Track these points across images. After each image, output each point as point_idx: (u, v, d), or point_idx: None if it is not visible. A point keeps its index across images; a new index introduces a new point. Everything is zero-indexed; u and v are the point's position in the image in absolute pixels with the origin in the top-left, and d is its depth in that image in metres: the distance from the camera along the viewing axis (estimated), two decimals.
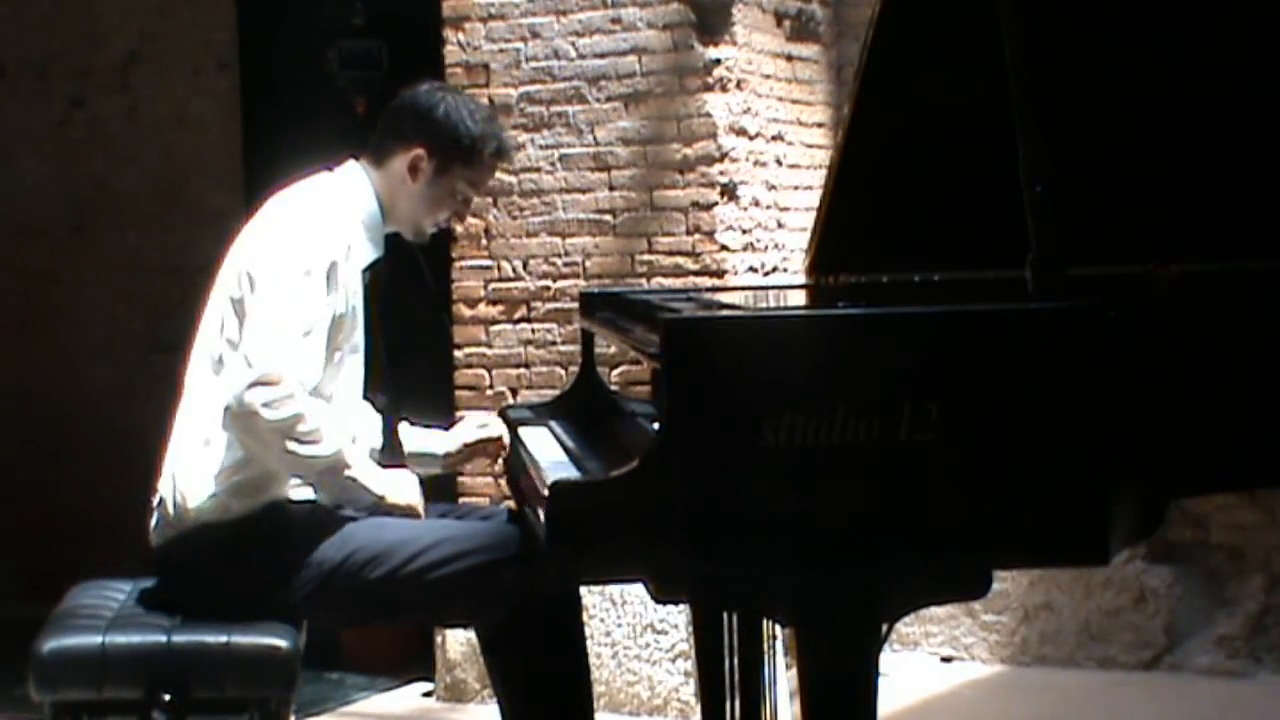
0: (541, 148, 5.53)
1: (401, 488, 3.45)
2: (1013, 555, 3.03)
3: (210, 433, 3.37)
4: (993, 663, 5.87)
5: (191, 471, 3.37)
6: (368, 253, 3.47)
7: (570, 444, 3.55)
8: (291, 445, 3.27)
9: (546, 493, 2.88)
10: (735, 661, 3.68)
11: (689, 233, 5.37)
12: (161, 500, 3.42)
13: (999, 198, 3.11)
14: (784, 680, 4.10)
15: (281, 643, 3.29)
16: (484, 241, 5.61)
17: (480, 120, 3.53)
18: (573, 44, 5.48)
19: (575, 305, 4.59)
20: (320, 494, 3.40)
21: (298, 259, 3.33)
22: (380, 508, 3.42)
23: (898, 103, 3.53)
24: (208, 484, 3.36)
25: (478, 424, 3.76)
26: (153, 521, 3.44)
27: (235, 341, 3.34)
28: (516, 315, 5.59)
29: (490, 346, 5.63)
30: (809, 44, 5.86)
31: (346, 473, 3.34)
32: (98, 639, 3.28)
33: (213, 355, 3.40)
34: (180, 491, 3.37)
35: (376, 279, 3.49)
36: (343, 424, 3.41)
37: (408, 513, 3.43)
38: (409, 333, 5.72)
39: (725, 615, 3.68)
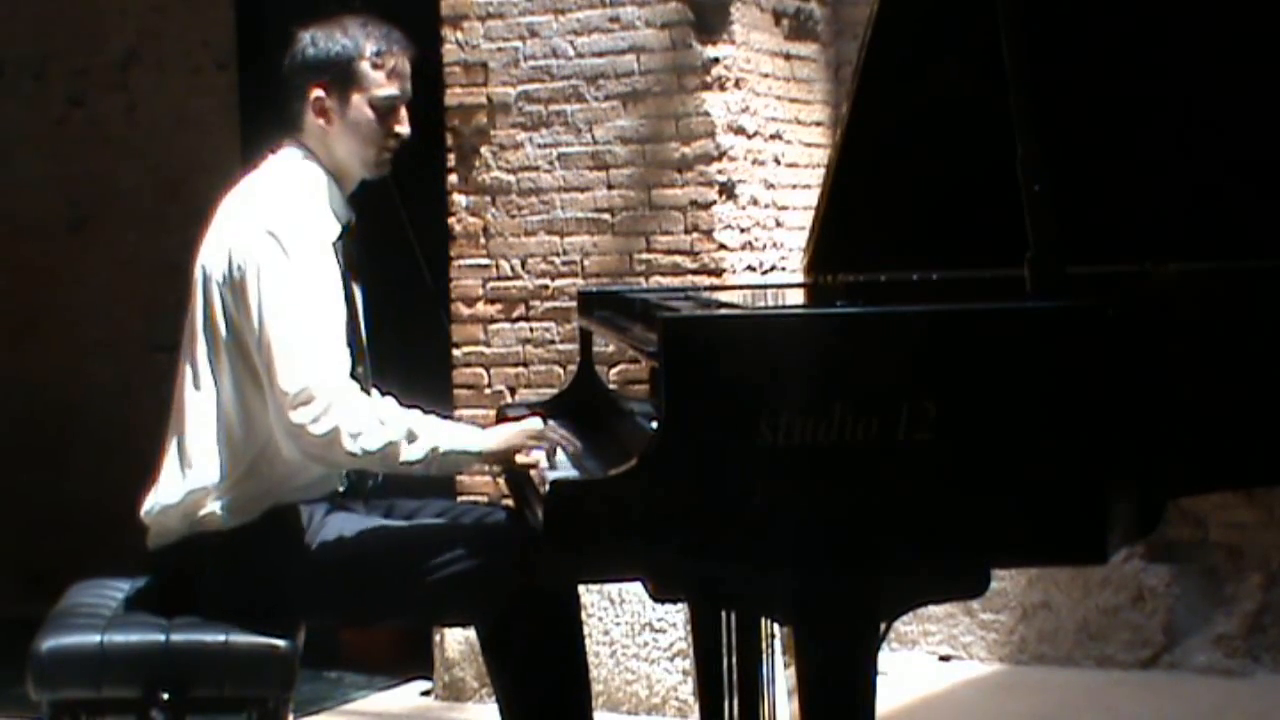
0: (540, 146, 5.53)
1: (493, 434, 3.36)
2: (1011, 554, 3.04)
3: (204, 446, 3.36)
4: (991, 661, 5.87)
5: (188, 484, 3.36)
6: (333, 226, 3.44)
7: None
8: (354, 448, 3.22)
9: (545, 492, 2.88)
10: (733, 660, 3.68)
11: (687, 231, 5.37)
12: (156, 509, 3.40)
13: (998, 196, 3.11)
14: (782, 679, 4.11)
15: (280, 642, 3.29)
16: (482, 240, 5.61)
17: (349, 33, 3.44)
18: (571, 43, 5.48)
19: (573, 304, 4.59)
20: (428, 473, 3.33)
21: (288, 259, 3.29)
22: (492, 463, 3.34)
23: (896, 102, 3.53)
24: (206, 497, 3.34)
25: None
26: (151, 522, 3.43)
27: (217, 360, 3.34)
28: (515, 314, 5.59)
29: (489, 345, 5.62)
30: (807, 43, 5.86)
31: (434, 446, 3.26)
32: (96, 638, 3.28)
33: (194, 370, 3.39)
34: (177, 503, 3.36)
35: (349, 249, 3.47)
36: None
37: (517, 455, 3.31)
38: (407, 331, 5.74)
39: (723, 614, 3.68)
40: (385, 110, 3.45)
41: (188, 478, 3.36)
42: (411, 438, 3.26)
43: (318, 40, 3.45)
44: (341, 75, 3.42)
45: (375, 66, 3.44)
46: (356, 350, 3.42)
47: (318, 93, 3.43)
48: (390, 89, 3.45)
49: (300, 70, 3.45)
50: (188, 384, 3.40)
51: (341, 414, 3.22)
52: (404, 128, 3.48)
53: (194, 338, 3.40)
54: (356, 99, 3.43)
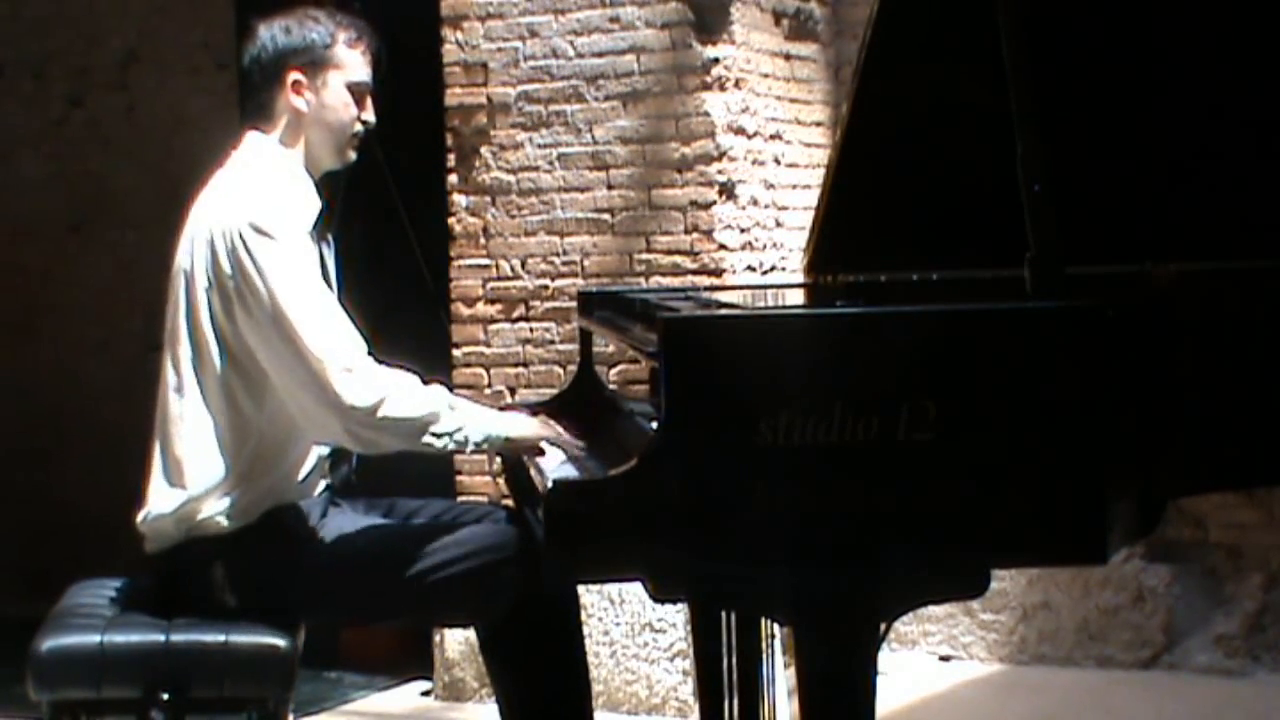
0: (540, 147, 5.53)
1: (517, 422, 3.37)
2: (1011, 554, 3.04)
3: (192, 453, 3.35)
4: (991, 662, 5.87)
5: (179, 493, 3.34)
6: (309, 213, 3.42)
7: None
8: (399, 413, 3.21)
9: (545, 492, 2.88)
10: (734, 660, 3.68)
11: (687, 232, 5.37)
12: (151, 517, 3.39)
13: (998, 197, 3.11)
14: (782, 679, 4.10)
15: (280, 642, 3.29)
16: (482, 240, 5.61)
17: (320, 21, 3.46)
18: (571, 43, 5.48)
19: (573, 304, 4.59)
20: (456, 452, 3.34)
21: (283, 243, 3.27)
22: (513, 451, 3.37)
23: (896, 102, 3.53)
24: (200, 505, 3.33)
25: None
26: (146, 530, 3.42)
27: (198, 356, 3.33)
28: (515, 314, 5.59)
29: (489, 345, 5.63)
30: (807, 43, 5.86)
31: (469, 421, 3.27)
32: (96, 638, 3.28)
33: (177, 375, 3.38)
34: (171, 512, 3.35)
35: (324, 236, 3.46)
36: None
37: (534, 442, 3.34)
38: (407, 331, 5.74)
39: (723, 614, 3.68)
40: (359, 94, 3.47)
41: (178, 487, 3.34)
42: (452, 405, 3.28)
43: (291, 28, 3.45)
44: (320, 57, 3.43)
45: (351, 48, 3.46)
46: None
47: (295, 76, 3.42)
48: (365, 73, 3.48)
49: (275, 57, 3.43)
50: (170, 390, 3.38)
51: (383, 384, 3.23)
52: (370, 115, 3.50)
53: (176, 341, 3.38)
54: (334, 81, 3.44)
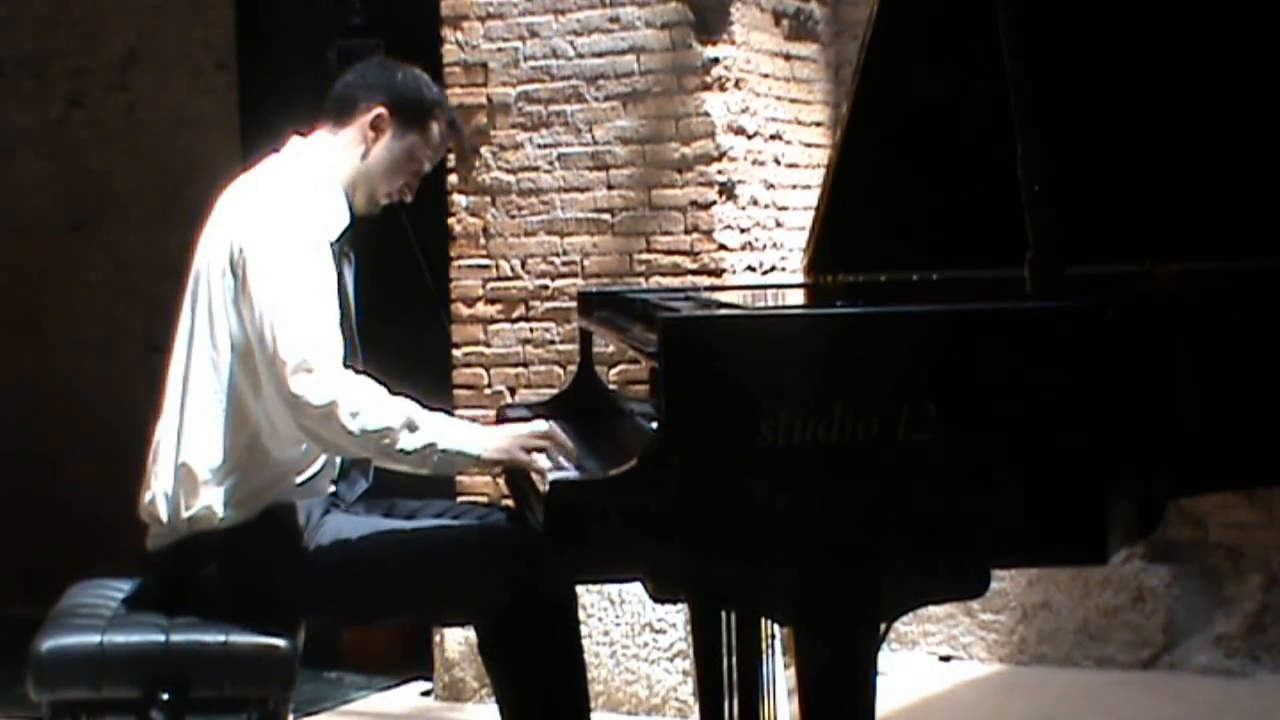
0: (540, 147, 5.53)
1: (494, 439, 3.32)
2: (1011, 554, 3.04)
3: (194, 432, 3.36)
4: (991, 662, 5.87)
5: (186, 478, 3.35)
6: (338, 223, 3.45)
7: None
8: (353, 426, 3.20)
9: (545, 492, 2.88)
10: (733, 660, 3.69)
11: (687, 232, 5.37)
12: (153, 506, 3.40)
13: (998, 196, 3.11)
14: (782, 679, 4.11)
15: (280, 642, 3.29)
16: (482, 241, 5.61)
17: (436, 91, 3.56)
18: (571, 43, 5.48)
19: (573, 304, 4.59)
20: (422, 469, 3.30)
21: (291, 240, 3.30)
22: (491, 467, 3.36)
23: (896, 102, 3.53)
24: (205, 492, 3.34)
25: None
26: (148, 517, 3.42)
27: (241, 341, 3.34)
28: (515, 314, 5.59)
29: (489, 346, 5.62)
30: (807, 43, 5.86)
31: (433, 442, 3.23)
32: (96, 638, 3.28)
33: (188, 357, 3.39)
34: (175, 499, 3.36)
35: (346, 251, 3.48)
36: None
37: (514, 464, 3.30)
38: (407, 331, 5.74)
39: (723, 614, 3.68)
40: (419, 167, 3.53)
41: (179, 459, 3.36)
42: (411, 427, 3.23)
43: (407, 73, 3.53)
44: (414, 115, 3.49)
45: (441, 131, 3.53)
46: (350, 349, 3.41)
47: (381, 110, 3.47)
48: (435, 157, 3.56)
49: (378, 85, 3.50)
50: (180, 372, 3.41)
51: (340, 389, 3.22)
52: (410, 196, 3.57)
53: (191, 325, 3.40)
54: (413, 141, 3.50)
